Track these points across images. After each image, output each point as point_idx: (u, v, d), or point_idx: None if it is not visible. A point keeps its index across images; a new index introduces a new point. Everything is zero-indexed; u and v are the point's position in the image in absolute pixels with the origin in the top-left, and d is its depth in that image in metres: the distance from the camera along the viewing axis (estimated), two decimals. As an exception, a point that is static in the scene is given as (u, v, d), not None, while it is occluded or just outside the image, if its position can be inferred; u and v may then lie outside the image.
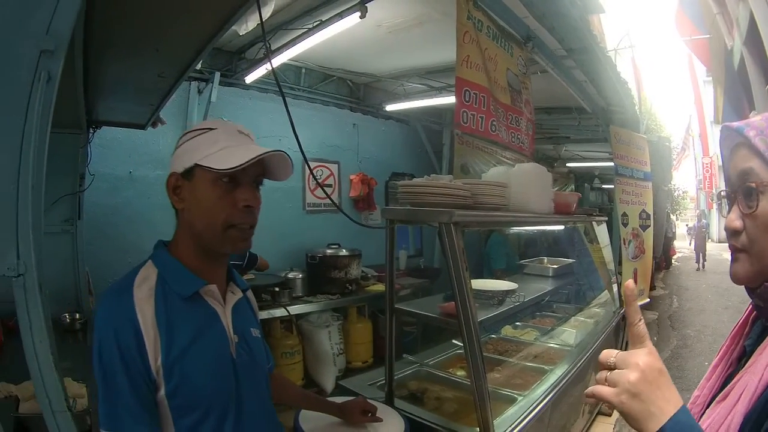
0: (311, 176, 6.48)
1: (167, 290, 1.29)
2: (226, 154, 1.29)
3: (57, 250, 3.97)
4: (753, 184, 0.91)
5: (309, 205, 6.73)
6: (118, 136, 4.88)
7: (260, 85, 5.90)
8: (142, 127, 4.39)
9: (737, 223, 0.96)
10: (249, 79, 5.43)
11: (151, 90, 3.34)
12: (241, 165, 1.26)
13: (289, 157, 1.40)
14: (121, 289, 1.27)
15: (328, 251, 5.77)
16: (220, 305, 1.40)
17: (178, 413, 1.25)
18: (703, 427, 0.89)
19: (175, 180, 1.34)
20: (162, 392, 1.23)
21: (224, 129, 1.36)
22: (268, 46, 3.42)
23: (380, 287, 5.99)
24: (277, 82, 2.64)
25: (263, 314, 4.83)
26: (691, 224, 28.75)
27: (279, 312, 4.99)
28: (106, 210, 4.90)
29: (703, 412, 0.98)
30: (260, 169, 1.38)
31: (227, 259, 1.49)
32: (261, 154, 1.30)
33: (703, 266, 19.71)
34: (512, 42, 3.89)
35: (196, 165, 1.30)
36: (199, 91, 5.46)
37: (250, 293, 1.63)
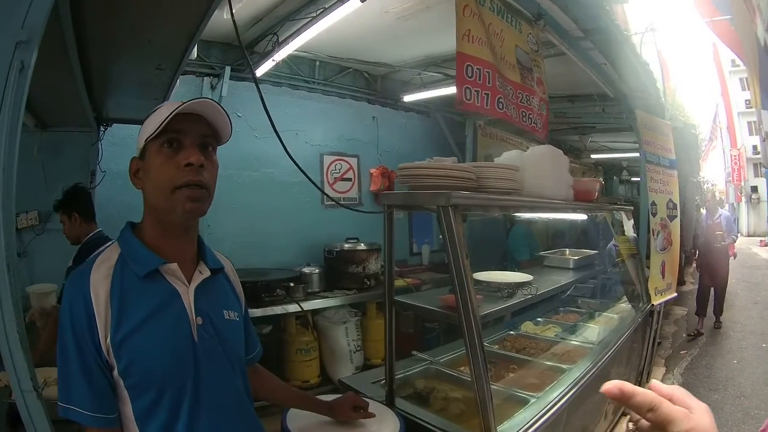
0: (329, 170, 6.53)
1: (125, 270, 1.31)
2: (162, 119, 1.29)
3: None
4: None
5: (327, 200, 6.62)
6: (132, 134, 4.82)
7: (273, 79, 5.89)
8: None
9: None
10: (260, 72, 5.34)
11: (153, 83, 3.46)
12: (167, 118, 1.26)
13: (222, 108, 1.37)
14: (82, 269, 1.30)
15: (346, 245, 5.73)
16: (182, 284, 1.38)
17: (134, 393, 1.27)
18: None
19: (135, 164, 1.38)
20: (116, 371, 1.25)
21: (169, 103, 1.36)
22: (276, 38, 3.32)
23: (400, 282, 5.87)
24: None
25: (277, 309, 4.82)
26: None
27: (293, 307, 4.95)
28: (119, 206, 4.87)
29: None
30: (206, 130, 1.37)
31: (194, 236, 1.47)
32: (183, 102, 1.29)
33: (717, 324, 8.36)
34: (520, 18, 3.72)
35: (146, 142, 1.33)
36: (212, 87, 5.48)
37: (231, 272, 1.61)
